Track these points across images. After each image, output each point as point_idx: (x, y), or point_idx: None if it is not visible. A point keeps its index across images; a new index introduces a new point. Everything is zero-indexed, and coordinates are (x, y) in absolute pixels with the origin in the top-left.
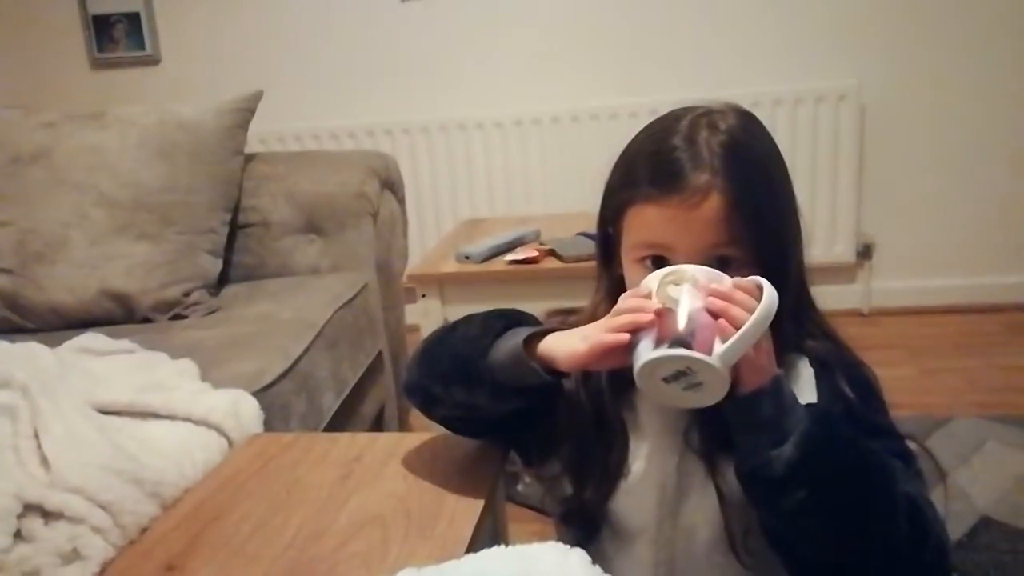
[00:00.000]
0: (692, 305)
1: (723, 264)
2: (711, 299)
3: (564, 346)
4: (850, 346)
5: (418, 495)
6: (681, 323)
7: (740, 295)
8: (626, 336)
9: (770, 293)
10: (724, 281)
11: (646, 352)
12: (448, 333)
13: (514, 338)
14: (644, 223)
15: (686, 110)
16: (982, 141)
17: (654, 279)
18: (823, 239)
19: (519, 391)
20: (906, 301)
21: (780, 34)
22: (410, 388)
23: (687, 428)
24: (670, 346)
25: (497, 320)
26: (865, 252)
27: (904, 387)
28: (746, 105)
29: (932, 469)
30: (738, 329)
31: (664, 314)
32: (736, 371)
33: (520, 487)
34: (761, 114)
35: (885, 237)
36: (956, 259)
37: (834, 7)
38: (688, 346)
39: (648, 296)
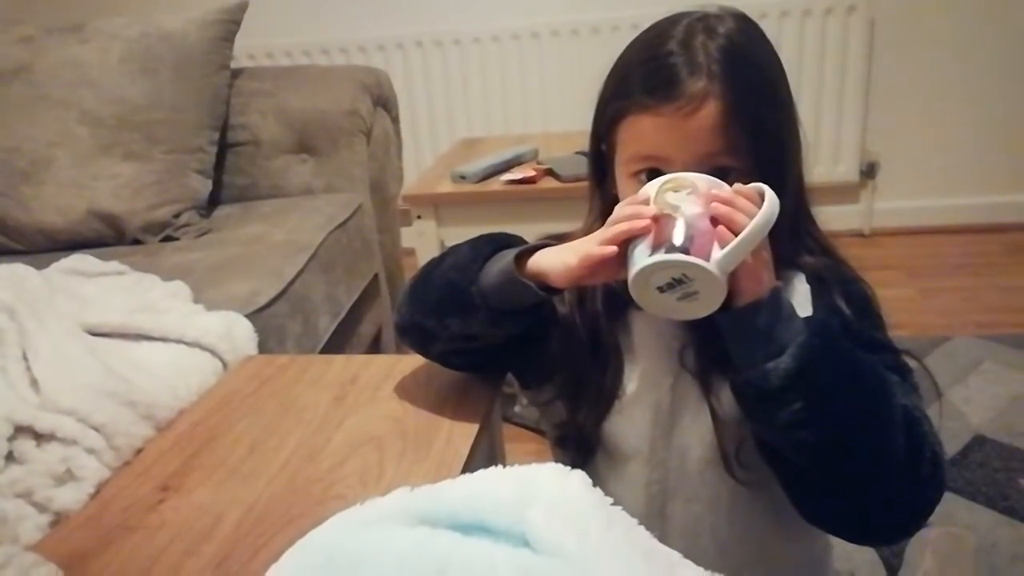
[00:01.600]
0: (691, 211)
1: (722, 174)
2: (712, 204)
3: (555, 260)
4: (848, 262)
5: (414, 416)
6: (679, 228)
7: (741, 200)
8: (614, 249)
9: (771, 199)
10: (724, 188)
11: (641, 258)
12: (436, 265)
13: (504, 258)
14: (638, 134)
15: (681, 15)
16: (991, 60)
17: (652, 186)
18: (827, 157)
19: (515, 313)
20: (907, 221)
21: None
22: (403, 327)
23: (682, 348)
24: (666, 251)
25: (486, 245)
26: (869, 171)
27: (903, 307)
28: (752, 15)
29: (930, 387)
30: (737, 235)
31: (661, 220)
32: (734, 281)
33: (517, 408)
34: (768, 26)
35: (889, 156)
36: (959, 179)
37: None
38: (686, 251)
39: (646, 202)
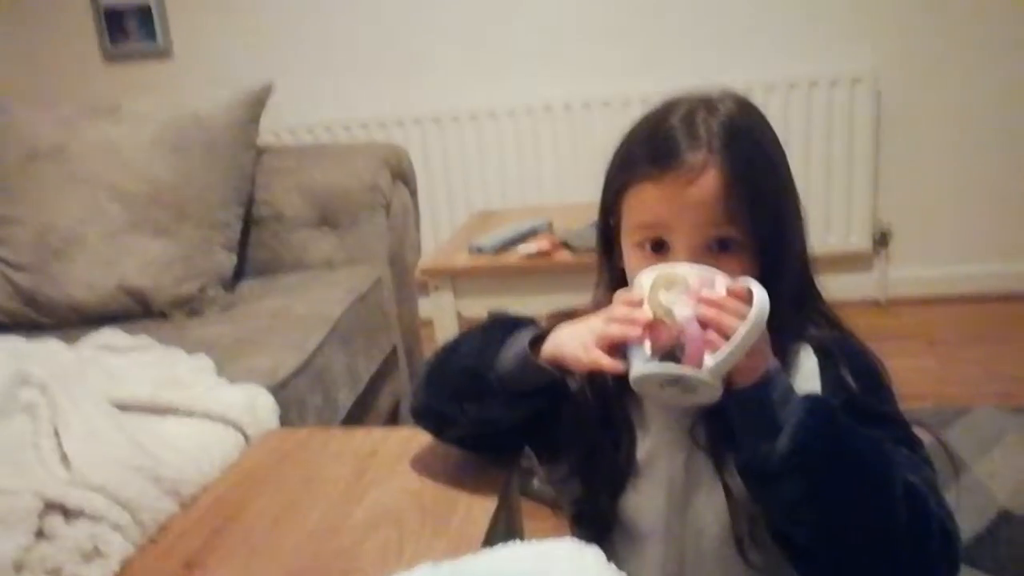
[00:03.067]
0: (682, 314)
1: (722, 247)
2: (702, 309)
3: (570, 350)
4: (855, 334)
5: (433, 490)
6: (671, 335)
7: (731, 302)
8: (621, 367)
9: (760, 300)
10: (717, 282)
11: (638, 364)
12: (451, 351)
13: (518, 343)
14: (642, 203)
15: (684, 96)
16: (998, 126)
17: (647, 279)
18: (839, 227)
19: (531, 395)
20: (924, 290)
21: (794, 17)
22: (420, 413)
23: (692, 424)
24: (661, 359)
25: (497, 329)
26: (882, 240)
27: (923, 377)
28: (760, 89)
29: (948, 461)
30: (728, 338)
31: (655, 325)
32: (729, 373)
33: (535, 483)
34: (775, 98)
35: (902, 224)
36: (973, 246)
37: None
38: (677, 360)
39: (640, 302)
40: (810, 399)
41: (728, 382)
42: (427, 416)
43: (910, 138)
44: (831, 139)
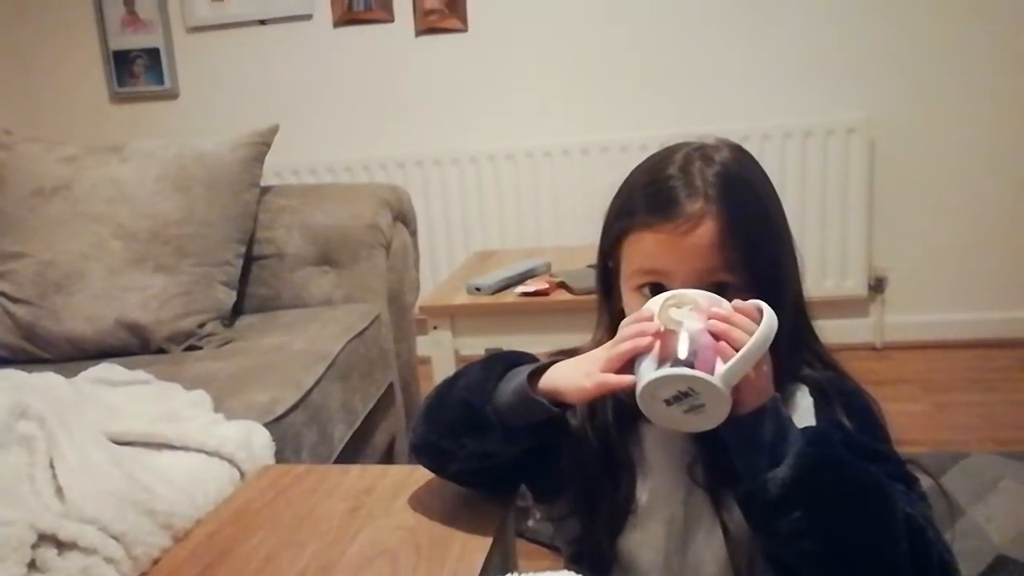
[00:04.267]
0: (694, 326)
1: (720, 290)
2: (712, 321)
3: (570, 381)
4: (850, 374)
5: (428, 528)
6: (683, 343)
7: (740, 317)
8: (631, 379)
9: (770, 315)
10: (724, 305)
11: (648, 372)
12: (450, 386)
13: (517, 377)
14: (641, 250)
15: (680, 144)
16: (992, 174)
17: (656, 302)
18: (835, 272)
19: (529, 429)
20: (919, 335)
21: (789, 68)
22: (419, 447)
23: (691, 462)
24: (672, 365)
25: (497, 363)
26: (877, 286)
27: (919, 423)
28: (756, 138)
29: (946, 506)
30: (738, 350)
31: (666, 335)
32: (736, 392)
33: (531, 523)
34: (771, 147)
35: (897, 270)
36: (969, 293)
37: (843, 41)
38: (691, 365)
39: (650, 318)
40: (811, 430)
41: (732, 408)
42: (426, 451)
43: (904, 186)
44: (826, 186)
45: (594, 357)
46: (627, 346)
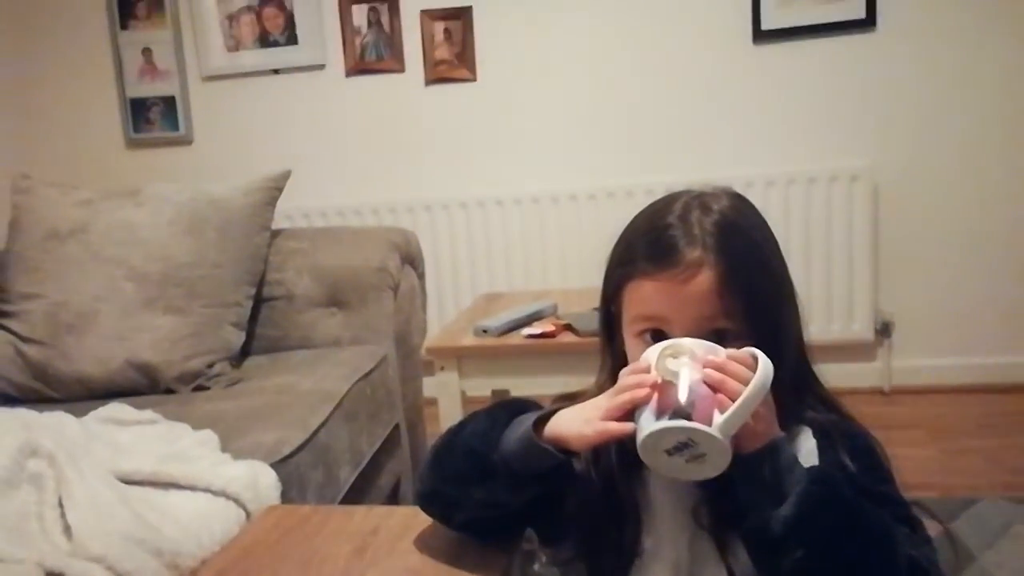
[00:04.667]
0: (691, 377)
1: (719, 337)
2: (708, 371)
3: (573, 428)
4: (853, 417)
5: (433, 570)
6: (681, 395)
7: (735, 366)
8: (631, 427)
9: (764, 363)
10: (720, 353)
11: (648, 424)
12: (455, 435)
13: (522, 425)
14: (641, 297)
15: (680, 193)
16: (997, 219)
17: (653, 352)
18: (841, 316)
19: (536, 477)
20: (927, 379)
21: (794, 116)
22: (425, 497)
23: (696, 506)
24: (671, 417)
25: (502, 411)
26: (884, 330)
27: (928, 468)
28: (760, 184)
29: (952, 552)
30: (735, 400)
31: (664, 387)
32: (737, 437)
33: (537, 567)
34: (775, 193)
35: (904, 315)
36: (977, 337)
37: (846, 89)
38: (688, 417)
39: (647, 369)
40: (816, 469)
41: (735, 448)
42: (433, 500)
43: (909, 232)
44: (831, 232)
45: (596, 405)
46: (625, 397)
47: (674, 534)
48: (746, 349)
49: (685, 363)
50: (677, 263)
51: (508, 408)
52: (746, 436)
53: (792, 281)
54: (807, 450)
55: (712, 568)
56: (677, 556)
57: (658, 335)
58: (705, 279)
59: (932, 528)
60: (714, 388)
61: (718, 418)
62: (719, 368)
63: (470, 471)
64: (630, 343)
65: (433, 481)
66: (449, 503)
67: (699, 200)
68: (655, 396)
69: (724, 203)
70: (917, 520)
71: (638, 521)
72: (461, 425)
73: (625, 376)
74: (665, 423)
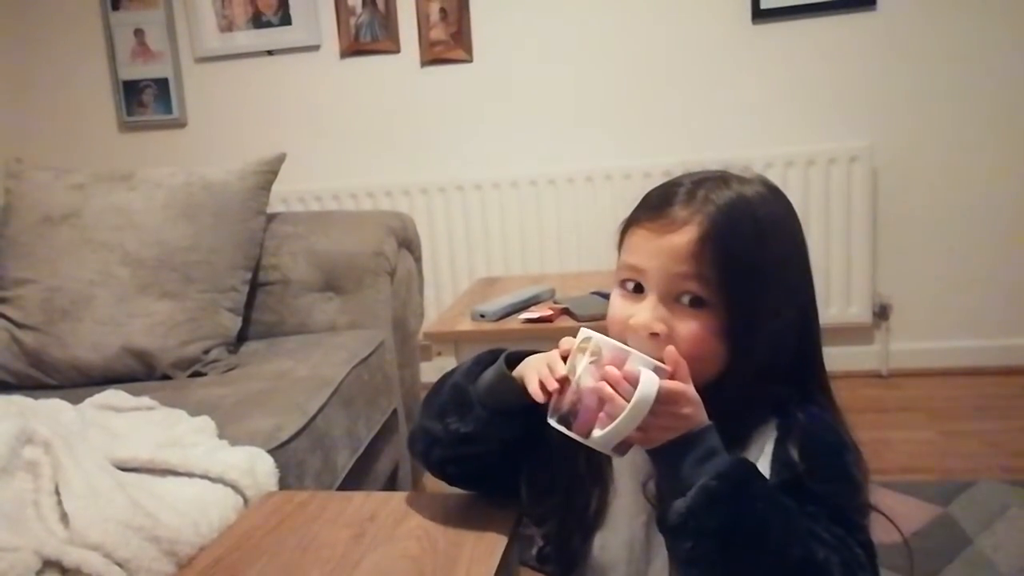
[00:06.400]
0: (585, 384)
1: (695, 305)
2: (601, 384)
3: (530, 377)
4: (845, 422)
5: (431, 555)
6: (566, 403)
7: (625, 386)
8: (541, 399)
9: (645, 387)
10: (628, 361)
11: (548, 414)
12: (446, 376)
13: (499, 361)
14: (630, 244)
15: (712, 169)
16: (996, 201)
17: (579, 337)
18: (839, 300)
19: (505, 414)
20: (925, 362)
21: (792, 97)
22: (412, 434)
23: (646, 480)
24: (558, 420)
25: (489, 354)
26: (882, 313)
27: (925, 451)
28: (758, 165)
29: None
30: (615, 419)
31: (564, 384)
32: (638, 433)
33: (535, 551)
34: (773, 175)
35: (902, 298)
36: (975, 320)
37: (845, 69)
38: (569, 426)
39: (566, 355)
40: (729, 463)
41: (646, 441)
42: (417, 436)
43: (907, 214)
44: (829, 214)
45: (541, 361)
46: (545, 374)
47: (632, 513)
48: (644, 367)
49: (586, 368)
50: (666, 215)
51: (493, 352)
52: (655, 426)
53: (806, 289)
54: (761, 443)
55: (665, 552)
56: (632, 535)
57: (639, 288)
58: (685, 235)
59: (926, 512)
60: (602, 401)
61: (596, 432)
62: (614, 383)
63: (450, 403)
64: (614, 290)
65: (420, 418)
66: (429, 436)
67: (724, 176)
68: (555, 391)
69: (748, 187)
70: (858, 525)
71: (604, 492)
72: (454, 369)
73: (560, 346)
74: (553, 423)
